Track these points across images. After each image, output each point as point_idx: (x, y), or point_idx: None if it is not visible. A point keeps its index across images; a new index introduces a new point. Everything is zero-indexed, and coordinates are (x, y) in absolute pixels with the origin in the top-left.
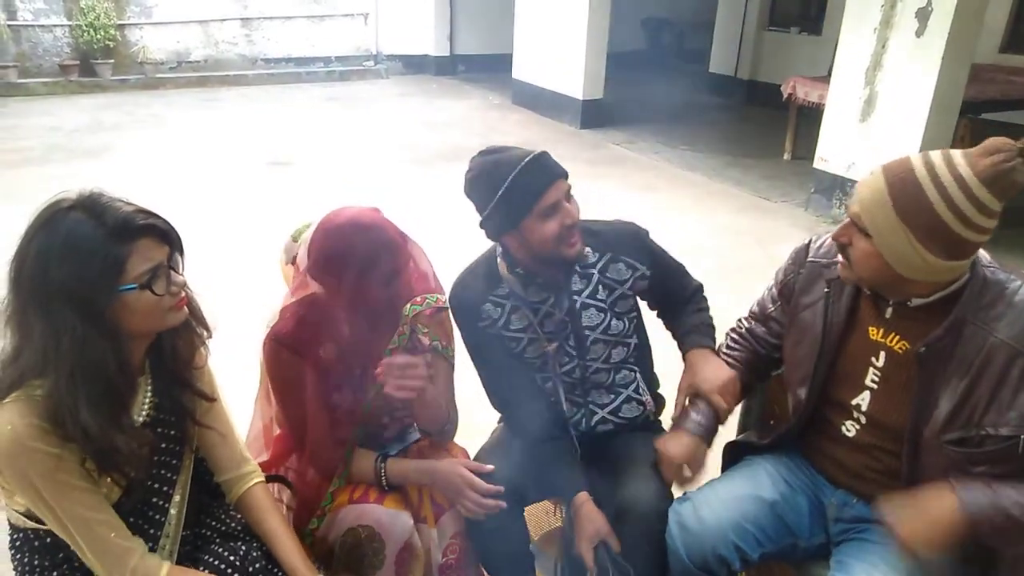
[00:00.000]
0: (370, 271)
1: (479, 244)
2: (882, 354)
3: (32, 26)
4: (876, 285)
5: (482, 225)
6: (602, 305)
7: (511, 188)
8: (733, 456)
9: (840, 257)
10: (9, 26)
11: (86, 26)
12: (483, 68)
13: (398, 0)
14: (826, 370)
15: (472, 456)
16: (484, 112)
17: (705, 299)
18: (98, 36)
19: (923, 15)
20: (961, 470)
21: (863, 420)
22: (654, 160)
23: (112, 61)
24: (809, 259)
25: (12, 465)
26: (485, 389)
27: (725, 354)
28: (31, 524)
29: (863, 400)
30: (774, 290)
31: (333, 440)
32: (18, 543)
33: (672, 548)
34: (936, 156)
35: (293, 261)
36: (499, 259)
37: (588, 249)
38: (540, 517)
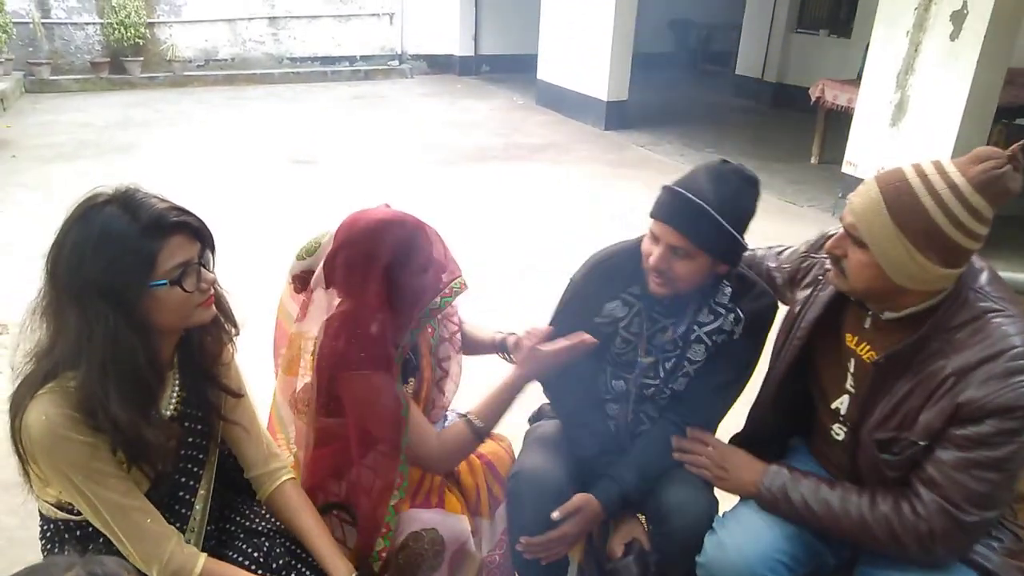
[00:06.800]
0: (407, 264)
1: (505, 245)
2: (852, 360)
3: (65, 24)
4: (868, 295)
5: None
6: (709, 344)
7: (661, 195)
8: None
9: (832, 267)
10: (43, 24)
11: (117, 24)
12: (507, 68)
13: (424, 0)
14: (790, 359)
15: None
16: (508, 112)
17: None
18: (128, 34)
19: (958, 18)
20: (882, 472)
21: (847, 425)
22: (678, 162)
23: (142, 59)
24: (823, 253)
25: (47, 455)
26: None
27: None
28: (62, 515)
29: (842, 404)
30: (799, 250)
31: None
32: (48, 534)
33: None
34: (927, 165)
35: (294, 281)
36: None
37: (729, 289)
38: None
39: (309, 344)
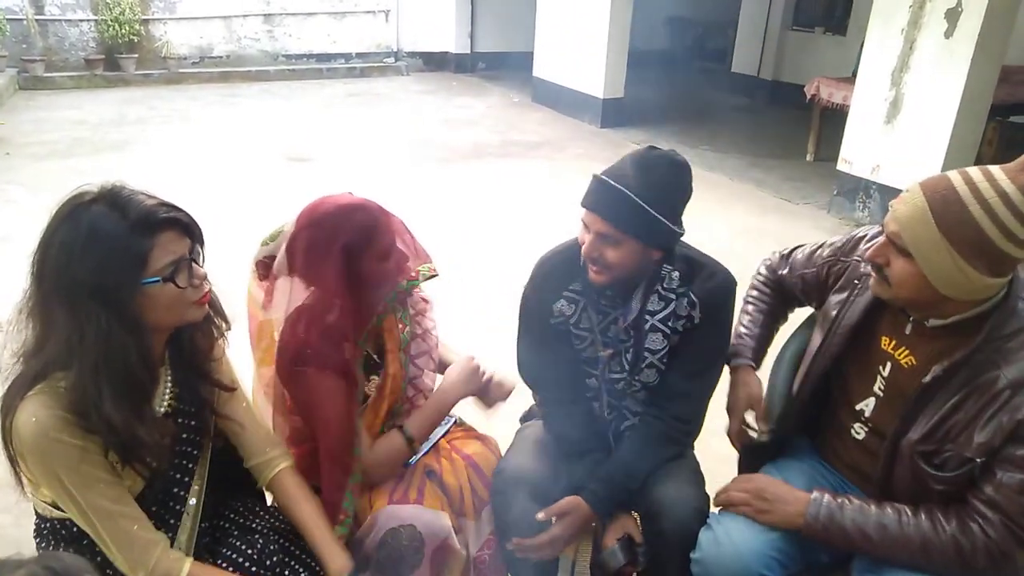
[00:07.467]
0: (367, 250)
1: (501, 243)
2: (888, 364)
3: (59, 20)
4: (911, 304)
5: None
6: (668, 332)
7: (589, 184)
8: (748, 458)
9: (874, 275)
10: (37, 20)
11: (111, 21)
12: (503, 66)
13: None
14: (826, 364)
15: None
16: (504, 110)
17: (681, 440)
18: (123, 31)
19: (953, 15)
20: (925, 485)
21: (869, 425)
22: None
23: (136, 56)
24: (855, 256)
25: (37, 457)
26: (527, 371)
27: (748, 302)
28: (57, 513)
29: (867, 406)
30: (823, 253)
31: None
32: (44, 532)
33: None
34: (975, 172)
35: (258, 268)
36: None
37: (676, 273)
38: None
39: (277, 332)
